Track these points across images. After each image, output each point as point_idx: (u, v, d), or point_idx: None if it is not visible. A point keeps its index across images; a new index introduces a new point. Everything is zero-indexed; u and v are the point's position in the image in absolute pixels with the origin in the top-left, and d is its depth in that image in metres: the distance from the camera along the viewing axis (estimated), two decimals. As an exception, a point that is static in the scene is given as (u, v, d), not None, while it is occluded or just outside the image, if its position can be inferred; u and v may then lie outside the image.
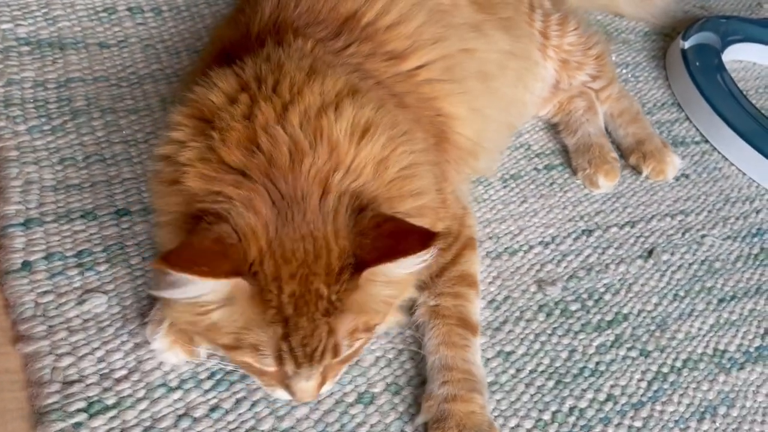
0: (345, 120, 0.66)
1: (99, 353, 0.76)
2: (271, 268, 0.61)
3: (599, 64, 1.22)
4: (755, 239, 1.16)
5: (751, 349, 0.99)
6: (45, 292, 0.79)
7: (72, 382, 0.73)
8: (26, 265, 0.81)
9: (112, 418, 0.72)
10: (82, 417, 0.71)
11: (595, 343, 0.93)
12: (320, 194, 0.63)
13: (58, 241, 0.84)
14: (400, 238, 0.61)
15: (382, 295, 0.66)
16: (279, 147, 0.63)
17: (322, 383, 0.68)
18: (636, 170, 1.19)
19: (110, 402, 0.73)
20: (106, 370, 0.75)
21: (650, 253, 1.07)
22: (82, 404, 0.72)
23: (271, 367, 0.66)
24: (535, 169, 1.15)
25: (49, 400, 0.71)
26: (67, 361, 0.75)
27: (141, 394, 0.74)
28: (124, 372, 0.75)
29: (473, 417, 0.76)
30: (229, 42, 0.83)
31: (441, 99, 0.86)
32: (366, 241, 0.62)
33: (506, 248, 1.01)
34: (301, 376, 0.66)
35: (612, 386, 0.89)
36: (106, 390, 0.74)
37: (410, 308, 0.85)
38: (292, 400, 0.71)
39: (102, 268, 0.83)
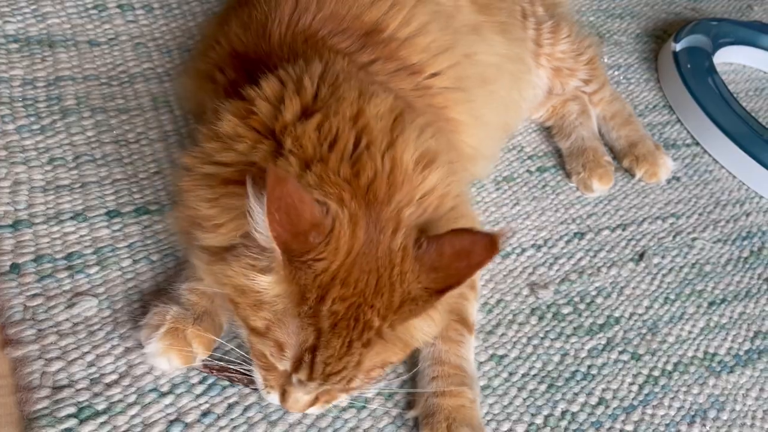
0: (412, 148, 0.67)
1: (89, 357, 0.75)
2: (325, 281, 0.61)
3: (591, 69, 1.22)
4: (745, 242, 1.16)
5: (741, 353, 1.00)
6: (34, 295, 0.79)
7: (62, 387, 0.72)
8: (15, 267, 0.80)
9: (103, 423, 0.71)
10: (72, 423, 0.70)
11: (587, 347, 0.93)
12: (393, 230, 0.63)
13: (48, 243, 0.83)
14: (463, 254, 0.62)
15: (421, 330, 0.67)
16: (380, 176, 0.64)
17: (314, 402, 0.68)
18: (629, 173, 1.19)
19: (101, 407, 0.72)
20: (97, 375, 0.74)
21: (641, 256, 1.07)
22: (72, 410, 0.71)
23: (284, 368, 0.66)
24: (528, 171, 1.15)
25: (39, 406, 0.71)
26: (56, 365, 0.74)
27: (132, 399, 0.74)
28: (114, 377, 0.75)
29: (462, 411, 0.76)
30: (242, 43, 0.81)
31: (450, 108, 0.86)
32: (438, 273, 0.62)
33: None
34: (305, 388, 0.66)
35: (604, 390, 0.89)
36: (96, 395, 0.73)
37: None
38: (281, 406, 0.70)
39: (92, 270, 0.82)
